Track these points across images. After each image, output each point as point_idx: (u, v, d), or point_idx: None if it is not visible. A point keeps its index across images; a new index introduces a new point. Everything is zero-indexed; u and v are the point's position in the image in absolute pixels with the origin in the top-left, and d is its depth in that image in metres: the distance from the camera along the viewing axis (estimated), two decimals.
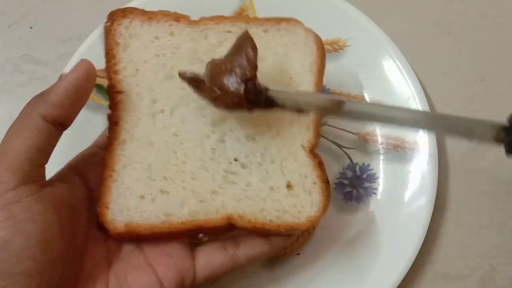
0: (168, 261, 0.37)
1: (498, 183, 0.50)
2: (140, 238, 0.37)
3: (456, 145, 0.51)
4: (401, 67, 0.50)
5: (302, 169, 0.38)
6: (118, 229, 0.36)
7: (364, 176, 0.49)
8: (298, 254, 0.47)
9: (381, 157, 0.49)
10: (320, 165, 0.39)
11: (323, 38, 0.41)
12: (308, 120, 0.39)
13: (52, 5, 0.56)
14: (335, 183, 0.49)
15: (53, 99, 0.34)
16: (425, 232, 0.46)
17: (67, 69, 0.49)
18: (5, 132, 0.35)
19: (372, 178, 0.49)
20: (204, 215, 0.37)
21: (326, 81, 0.50)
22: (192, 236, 0.39)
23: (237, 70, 0.35)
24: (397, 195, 0.47)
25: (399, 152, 0.49)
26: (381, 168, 0.49)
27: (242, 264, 0.38)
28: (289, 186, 0.38)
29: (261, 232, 0.37)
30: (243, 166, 0.38)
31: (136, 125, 0.38)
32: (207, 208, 0.37)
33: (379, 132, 0.50)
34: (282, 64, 0.39)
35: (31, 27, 0.55)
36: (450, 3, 0.57)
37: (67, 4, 0.55)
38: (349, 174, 0.49)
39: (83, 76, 0.35)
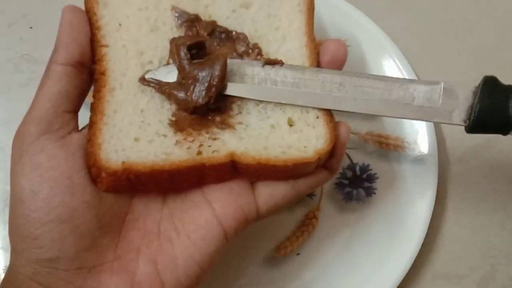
0: (227, 197, 0.35)
1: (498, 183, 0.50)
2: (139, 180, 0.34)
3: (456, 145, 0.51)
4: (401, 67, 0.50)
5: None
6: (114, 167, 0.33)
7: (364, 176, 0.49)
8: (298, 254, 0.47)
9: (381, 157, 0.49)
10: None
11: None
12: (302, 58, 0.38)
13: (52, 5, 0.55)
14: (335, 183, 0.49)
15: (58, 43, 0.34)
16: (425, 232, 0.46)
17: None
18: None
19: (372, 178, 0.49)
20: (206, 154, 0.35)
21: None
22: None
23: (201, 83, 0.35)
24: (397, 195, 0.47)
25: (399, 152, 0.49)
26: (381, 168, 0.49)
27: (303, 192, 0.37)
28: (290, 123, 0.36)
29: (268, 171, 0.35)
30: (240, 109, 0.36)
31: (125, 75, 0.36)
32: (208, 148, 0.35)
33: (379, 132, 0.50)
34: (270, 7, 0.39)
35: (31, 27, 0.55)
36: (450, 3, 0.57)
37: (67, 4, 0.55)
38: (349, 174, 0.49)
39: (70, 15, 0.35)
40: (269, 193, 0.36)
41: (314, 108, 0.36)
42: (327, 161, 0.36)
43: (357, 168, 0.49)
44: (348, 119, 0.50)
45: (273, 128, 0.36)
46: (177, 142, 0.35)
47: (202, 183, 0.36)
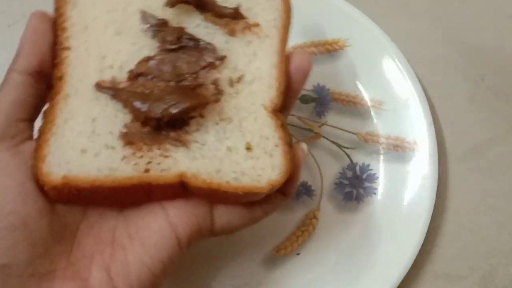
0: (183, 205, 0.35)
1: (498, 183, 0.50)
2: (80, 194, 0.33)
3: (456, 145, 0.51)
4: (401, 67, 0.50)
5: (263, 130, 0.35)
6: (54, 181, 0.32)
7: (364, 176, 0.49)
8: (298, 254, 0.47)
9: (381, 157, 0.49)
10: (282, 126, 0.36)
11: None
12: (270, 79, 0.36)
13: (52, 5, 0.56)
14: (335, 183, 0.49)
15: (19, 51, 0.34)
16: (425, 232, 0.46)
17: None
18: None
19: (372, 178, 0.49)
20: (154, 172, 0.33)
21: (326, 81, 0.51)
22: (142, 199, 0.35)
23: (163, 102, 0.34)
24: (397, 195, 0.47)
25: (399, 152, 0.49)
26: (381, 168, 0.49)
27: (259, 217, 0.37)
28: (248, 147, 0.35)
29: (218, 195, 0.34)
30: (198, 127, 0.35)
31: (82, 80, 0.35)
32: (157, 166, 0.34)
33: (379, 132, 0.50)
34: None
35: None
36: (450, 3, 0.57)
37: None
38: (349, 174, 0.49)
39: (37, 21, 0.35)
40: (225, 211, 0.36)
41: (274, 135, 0.35)
42: (282, 186, 0.35)
43: (357, 168, 0.49)
44: (348, 119, 0.50)
45: (230, 151, 0.35)
46: (124, 157, 0.33)
47: (150, 200, 0.35)
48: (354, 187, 0.49)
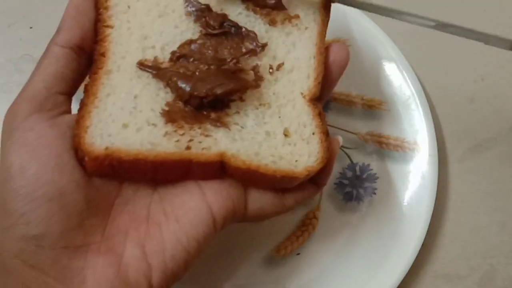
0: (219, 185, 0.35)
1: (498, 183, 0.50)
2: (120, 168, 0.33)
3: (456, 145, 0.51)
4: (401, 67, 0.50)
5: (300, 117, 0.36)
6: (97, 152, 0.32)
7: (364, 176, 0.49)
8: (298, 254, 0.47)
9: (381, 157, 0.49)
10: (320, 115, 0.37)
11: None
12: (308, 69, 0.37)
13: (52, 5, 0.56)
14: (335, 183, 0.49)
15: (61, 26, 0.35)
16: (425, 232, 0.46)
17: None
18: (5, 131, 0.34)
19: (372, 178, 0.49)
20: (195, 150, 0.34)
21: None
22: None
23: (207, 82, 0.35)
24: (397, 195, 0.47)
25: (399, 152, 0.49)
26: (381, 168, 0.49)
27: (290, 206, 0.37)
28: (286, 133, 0.36)
29: (255, 178, 0.35)
30: (238, 109, 0.36)
31: (124, 58, 0.35)
32: (198, 144, 0.34)
33: (379, 132, 0.50)
34: (284, 12, 0.38)
35: (31, 27, 0.55)
36: (450, 2, 0.57)
37: (67, 4, 0.55)
38: (349, 174, 0.49)
39: None
40: (259, 195, 0.36)
41: (312, 123, 0.36)
42: (316, 176, 0.36)
43: (357, 168, 0.49)
44: (348, 119, 0.50)
45: (268, 136, 0.35)
46: (166, 134, 0.34)
47: (186, 178, 0.35)
48: (354, 187, 0.49)
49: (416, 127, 0.49)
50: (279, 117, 0.36)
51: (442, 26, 0.34)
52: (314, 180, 0.37)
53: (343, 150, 0.50)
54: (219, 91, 0.34)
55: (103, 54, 0.35)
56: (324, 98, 0.39)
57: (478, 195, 0.50)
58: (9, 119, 0.33)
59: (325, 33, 0.39)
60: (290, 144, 0.35)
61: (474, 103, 0.52)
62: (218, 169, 0.35)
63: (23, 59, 0.54)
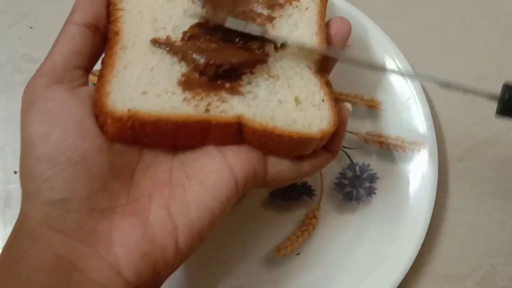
0: (239, 148, 0.35)
1: (498, 183, 0.50)
2: (142, 131, 0.34)
3: (456, 145, 0.51)
4: (401, 67, 0.50)
5: (309, 86, 0.38)
6: (120, 113, 0.33)
7: (364, 176, 0.49)
8: (298, 254, 0.47)
9: (381, 157, 0.49)
10: (327, 84, 0.38)
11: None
12: (312, 45, 0.39)
13: (52, 5, 0.56)
14: (335, 183, 0.49)
15: (75, 7, 0.36)
16: (425, 232, 0.46)
17: None
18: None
19: (372, 178, 0.49)
20: (214, 112, 0.35)
21: None
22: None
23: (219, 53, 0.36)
24: (397, 195, 0.47)
25: (399, 152, 0.49)
26: (381, 168, 0.49)
27: (307, 172, 0.38)
28: (297, 101, 0.37)
29: (272, 141, 0.36)
30: (249, 81, 0.37)
31: (138, 36, 0.37)
32: (216, 108, 0.35)
33: (379, 132, 0.50)
34: None
35: (31, 27, 0.55)
36: (450, 2, 0.57)
37: (67, 4, 0.55)
38: (349, 174, 0.49)
39: None
40: (277, 160, 0.36)
41: (320, 91, 0.37)
42: (328, 143, 0.37)
43: (357, 168, 0.49)
44: (349, 119, 0.50)
45: (280, 103, 0.37)
46: (185, 99, 0.35)
47: (205, 143, 0.35)
48: (354, 187, 0.49)
49: (416, 127, 0.49)
50: (289, 87, 0.37)
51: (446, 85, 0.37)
52: (328, 147, 0.38)
53: (343, 150, 0.50)
54: (234, 60, 0.36)
55: (117, 33, 0.36)
56: (330, 69, 0.41)
57: (478, 195, 0.50)
58: (28, 92, 0.33)
59: (325, 11, 0.41)
60: (302, 110, 0.37)
61: (474, 103, 0.52)
62: (236, 133, 0.35)
63: (23, 59, 0.54)
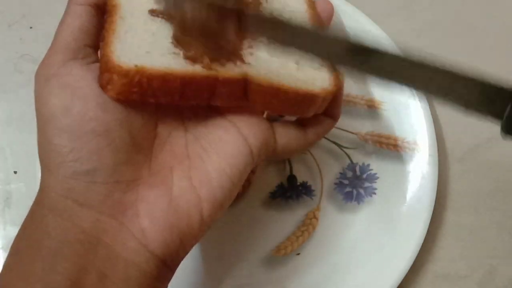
0: (250, 119, 0.36)
1: (498, 183, 0.50)
2: (150, 88, 0.33)
3: (456, 145, 0.51)
4: None
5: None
6: (127, 68, 0.32)
7: (364, 176, 0.49)
8: (298, 254, 0.47)
9: (381, 157, 0.49)
10: None
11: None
12: (304, 20, 0.40)
13: (52, 5, 0.56)
14: (335, 183, 0.49)
15: None
16: (425, 232, 0.46)
17: None
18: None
19: (372, 178, 0.49)
20: (220, 69, 0.35)
21: None
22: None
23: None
24: (397, 195, 0.47)
25: (399, 152, 0.49)
26: (381, 168, 0.49)
27: (312, 139, 0.39)
28: (297, 63, 0.38)
29: (278, 99, 0.36)
30: (250, 44, 0.37)
31: (135, 8, 0.37)
32: (221, 66, 0.35)
33: (379, 132, 0.50)
34: None
35: (31, 27, 0.55)
36: (450, 3, 0.57)
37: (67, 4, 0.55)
38: (349, 174, 0.49)
39: None
40: (284, 130, 0.37)
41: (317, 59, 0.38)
42: (329, 109, 0.38)
43: (357, 168, 0.49)
44: (348, 119, 0.50)
45: (282, 65, 0.37)
46: (189, 58, 0.35)
47: (211, 101, 0.36)
48: (354, 187, 0.49)
49: (416, 127, 0.49)
50: (289, 54, 0.37)
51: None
52: (328, 113, 0.39)
53: (343, 150, 0.50)
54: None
55: (114, 6, 0.36)
56: None
57: (478, 195, 0.50)
58: (43, 70, 0.33)
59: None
60: (303, 71, 0.37)
61: None
62: (242, 91, 0.36)
63: (23, 59, 0.54)
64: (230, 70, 0.35)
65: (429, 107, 0.49)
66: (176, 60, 0.34)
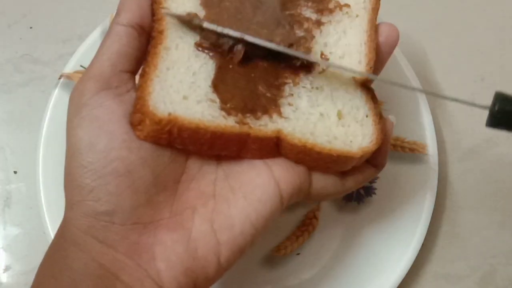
0: (286, 162, 0.35)
1: (498, 183, 0.50)
2: (180, 137, 0.33)
3: (456, 145, 0.51)
4: (401, 67, 0.50)
5: (353, 100, 0.36)
6: (160, 116, 0.32)
7: None
8: (298, 254, 0.47)
9: None
10: (373, 99, 0.37)
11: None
12: (360, 55, 0.38)
13: (52, 5, 0.56)
14: None
15: (120, 7, 0.35)
16: (425, 232, 0.46)
17: (67, 69, 0.49)
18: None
19: (372, 178, 0.49)
20: (253, 125, 0.34)
21: None
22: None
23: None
24: (397, 195, 0.47)
25: (399, 152, 0.49)
26: None
27: (351, 187, 0.37)
28: (339, 116, 0.36)
29: (310, 157, 0.35)
30: (291, 91, 0.36)
31: (182, 38, 0.36)
32: (255, 120, 0.34)
33: None
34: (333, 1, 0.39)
35: (31, 27, 0.55)
36: (450, 3, 0.57)
37: (67, 4, 0.55)
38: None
39: None
40: (321, 175, 0.36)
41: (365, 106, 0.36)
42: (373, 158, 0.36)
43: None
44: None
45: (322, 117, 0.36)
46: (224, 109, 0.34)
47: (241, 156, 0.35)
48: None
49: (416, 127, 0.49)
50: (332, 100, 0.36)
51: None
52: (372, 161, 0.37)
53: None
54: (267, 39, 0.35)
55: (161, 32, 0.36)
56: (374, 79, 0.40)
57: (478, 195, 0.50)
58: (76, 97, 0.33)
59: (376, 20, 0.39)
60: (344, 125, 0.36)
61: None
62: (274, 147, 0.35)
63: (23, 59, 0.54)
64: (263, 127, 0.34)
65: (429, 107, 0.49)
66: (211, 109, 0.34)
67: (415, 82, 0.50)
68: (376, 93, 0.38)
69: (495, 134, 0.52)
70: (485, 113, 0.53)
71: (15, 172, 0.50)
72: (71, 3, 0.56)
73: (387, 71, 0.50)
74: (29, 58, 0.54)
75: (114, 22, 0.35)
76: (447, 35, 0.55)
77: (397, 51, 0.50)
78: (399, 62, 0.50)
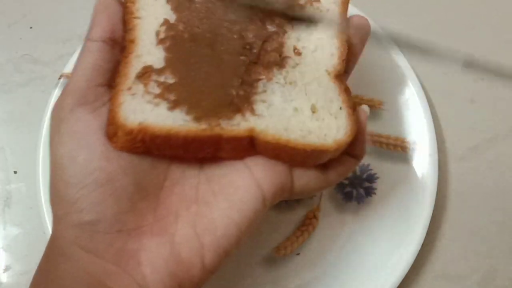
0: (266, 163, 0.35)
1: (498, 183, 0.50)
2: (154, 144, 0.34)
3: (456, 145, 0.51)
4: (401, 67, 0.50)
5: (327, 93, 0.37)
6: (130, 127, 0.33)
7: (364, 176, 0.49)
8: (298, 254, 0.47)
9: (381, 157, 0.49)
10: (346, 91, 0.37)
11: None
12: (332, 48, 0.38)
13: (52, 5, 0.56)
14: None
15: (92, 22, 0.36)
16: (425, 232, 0.46)
17: (67, 69, 0.49)
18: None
19: (372, 178, 0.49)
20: (225, 126, 0.34)
21: None
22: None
23: None
24: (397, 195, 0.47)
25: (399, 152, 0.49)
26: (381, 168, 0.49)
27: (334, 180, 0.38)
28: (313, 109, 0.36)
29: (285, 153, 0.35)
30: (265, 87, 0.36)
31: (153, 44, 0.36)
32: (227, 121, 0.35)
33: (379, 132, 0.50)
34: None
35: (31, 27, 0.55)
36: (450, 3, 0.57)
37: (67, 4, 0.55)
38: (349, 174, 0.49)
39: None
40: (303, 171, 0.36)
41: (338, 99, 0.37)
42: (351, 149, 0.37)
43: (357, 168, 0.49)
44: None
45: (296, 111, 0.36)
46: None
47: (216, 156, 0.35)
48: (354, 187, 0.49)
49: (416, 127, 0.49)
50: (306, 94, 0.36)
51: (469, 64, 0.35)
52: (351, 153, 0.37)
53: None
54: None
55: (132, 41, 0.36)
56: (349, 73, 0.40)
57: (478, 195, 0.50)
58: (56, 113, 0.34)
59: (346, 13, 0.40)
60: (318, 119, 0.36)
61: (474, 103, 0.52)
62: (248, 145, 0.35)
63: (23, 59, 0.54)
64: (236, 126, 0.34)
65: (429, 107, 0.49)
66: (185, 113, 0.34)
67: (415, 82, 0.50)
68: (350, 86, 0.38)
69: (495, 134, 0.52)
70: (485, 112, 0.53)
71: (15, 172, 0.50)
72: (71, 3, 0.56)
73: (386, 71, 0.50)
74: (29, 58, 0.54)
75: (86, 38, 0.36)
76: (447, 35, 0.55)
77: (396, 51, 0.50)
78: (398, 62, 0.50)
